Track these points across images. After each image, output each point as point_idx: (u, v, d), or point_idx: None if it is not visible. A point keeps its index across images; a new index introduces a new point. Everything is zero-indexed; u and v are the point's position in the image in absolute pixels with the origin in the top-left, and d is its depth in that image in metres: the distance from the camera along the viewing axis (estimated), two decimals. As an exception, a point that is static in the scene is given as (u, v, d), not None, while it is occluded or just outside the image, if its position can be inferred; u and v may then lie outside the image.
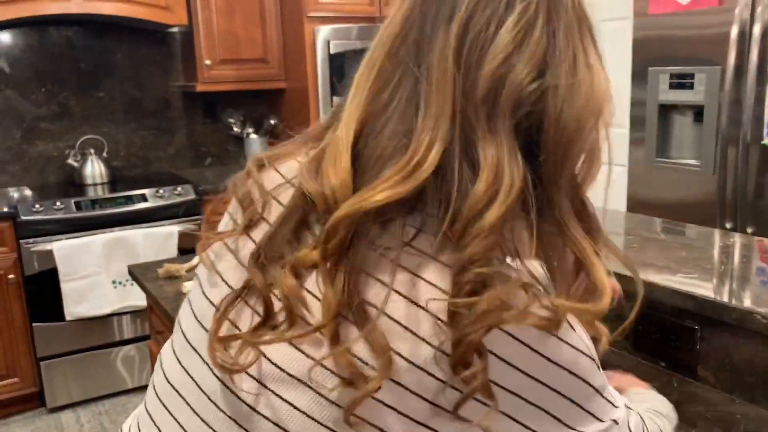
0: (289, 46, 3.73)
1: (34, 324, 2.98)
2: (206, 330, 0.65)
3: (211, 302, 0.66)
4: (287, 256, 0.59)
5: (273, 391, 0.59)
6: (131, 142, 3.72)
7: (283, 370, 0.58)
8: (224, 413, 0.62)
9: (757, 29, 2.40)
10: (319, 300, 0.57)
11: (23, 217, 2.90)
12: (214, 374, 0.63)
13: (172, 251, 3.14)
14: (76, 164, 3.46)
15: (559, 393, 0.60)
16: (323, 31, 3.53)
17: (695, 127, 2.76)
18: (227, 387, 0.61)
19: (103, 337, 3.13)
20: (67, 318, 2.97)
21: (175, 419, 0.66)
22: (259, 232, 0.64)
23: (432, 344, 0.55)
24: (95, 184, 3.42)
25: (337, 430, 0.56)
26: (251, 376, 0.60)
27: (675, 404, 1.15)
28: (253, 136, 3.96)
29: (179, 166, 3.91)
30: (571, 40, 0.60)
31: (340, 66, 3.62)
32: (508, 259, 0.58)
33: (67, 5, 3.07)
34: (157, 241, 3.11)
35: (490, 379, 0.55)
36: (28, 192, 3.29)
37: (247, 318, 0.61)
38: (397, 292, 0.56)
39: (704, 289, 1.23)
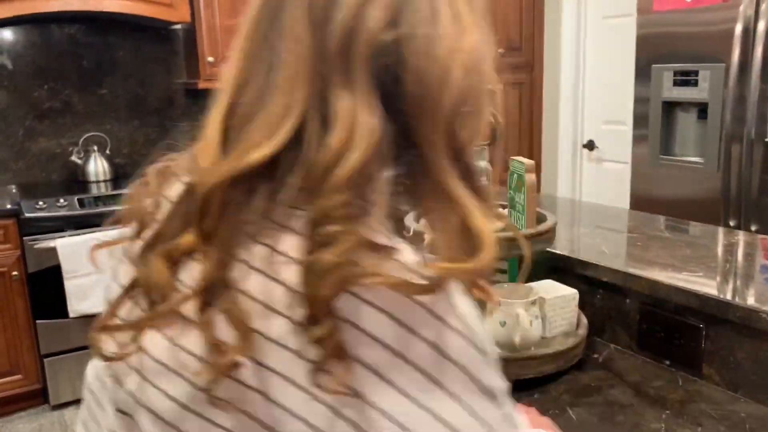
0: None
1: (37, 321, 2.99)
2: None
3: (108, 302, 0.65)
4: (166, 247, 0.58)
5: (150, 382, 0.59)
6: (134, 139, 3.73)
7: (158, 361, 0.58)
8: (114, 408, 0.63)
9: (761, 26, 2.39)
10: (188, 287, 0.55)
11: (27, 214, 2.90)
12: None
13: (176, 248, 3.14)
14: (79, 161, 3.47)
15: (424, 372, 0.54)
16: (326, 28, 3.52)
17: (699, 125, 2.75)
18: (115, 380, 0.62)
19: (107, 334, 3.13)
20: (71, 315, 2.98)
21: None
22: (150, 232, 0.62)
23: (287, 316, 0.52)
24: (98, 181, 3.42)
25: (207, 416, 0.55)
26: (133, 368, 0.60)
27: (680, 403, 1.15)
28: (256, 133, 3.95)
29: (182, 163, 3.91)
30: None
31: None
32: (375, 220, 0.56)
33: (69, 2, 3.07)
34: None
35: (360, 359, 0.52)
36: (30, 189, 3.29)
37: (131, 312, 0.61)
38: (254, 268, 0.54)
39: (709, 287, 1.23)
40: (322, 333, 0.51)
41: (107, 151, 3.55)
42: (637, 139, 3.00)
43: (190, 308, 0.54)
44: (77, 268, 2.92)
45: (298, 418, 0.52)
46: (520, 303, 1.23)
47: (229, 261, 0.54)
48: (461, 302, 0.56)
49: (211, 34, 3.54)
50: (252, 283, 0.54)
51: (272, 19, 0.58)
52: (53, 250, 2.89)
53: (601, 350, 1.38)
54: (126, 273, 0.63)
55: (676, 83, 2.77)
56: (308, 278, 0.51)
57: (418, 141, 0.56)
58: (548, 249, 1.44)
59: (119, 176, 3.52)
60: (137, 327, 0.58)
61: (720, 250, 1.50)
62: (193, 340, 0.55)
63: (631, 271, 1.33)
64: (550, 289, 1.37)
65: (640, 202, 2.97)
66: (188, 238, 0.56)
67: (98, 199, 3.10)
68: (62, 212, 2.97)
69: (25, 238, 2.91)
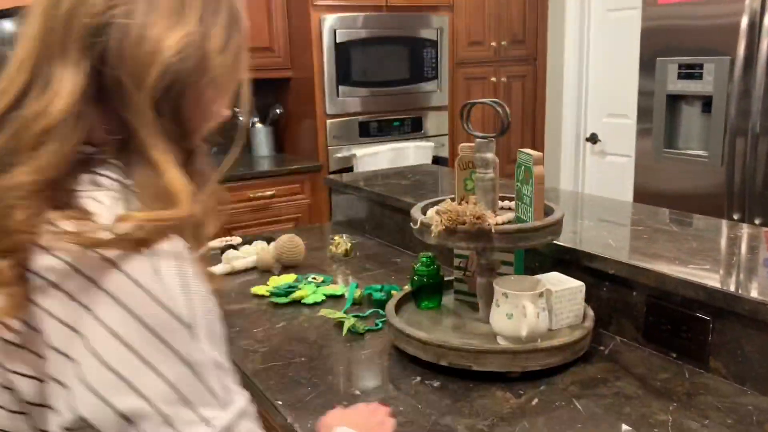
0: (294, 34, 3.72)
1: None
2: None
3: None
4: None
5: None
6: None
7: None
8: None
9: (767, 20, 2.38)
10: None
11: None
12: None
13: (179, 240, 3.14)
14: (82, 153, 3.46)
15: (121, 340, 0.60)
16: (329, 20, 3.52)
17: (703, 118, 2.75)
18: None
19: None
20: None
21: None
22: None
23: None
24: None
25: None
26: None
27: (686, 395, 1.16)
28: (259, 125, 3.95)
29: (185, 155, 3.91)
30: None
31: (347, 55, 3.61)
32: (78, 184, 0.65)
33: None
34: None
35: (39, 304, 0.60)
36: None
37: None
38: None
39: (716, 280, 1.23)
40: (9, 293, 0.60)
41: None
42: (641, 133, 2.99)
43: None
44: None
45: None
46: (526, 295, 1.23)
47: None
48: (164, 265, 0.62)
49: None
50: None
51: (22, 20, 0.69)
52: None
53: (608, 342, 1.38)
54: None
55: (680, 76, 2.76)
56: None
57: (127, 114, 0.65)
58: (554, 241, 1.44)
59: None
60: None
61: (727, 243, 1.50)
62: None
63: (638, 263, 1.33)
64: (557, 281, 1.37)
65: (643, 195, 2.97)
66: None
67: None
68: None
69: None
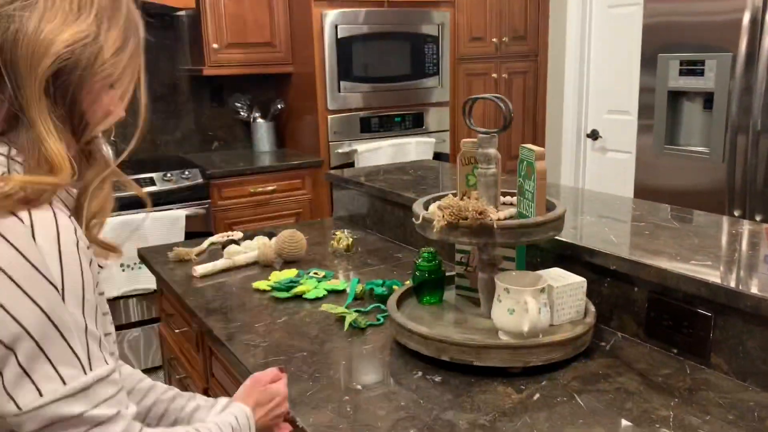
0: (296, 30, 3.71)
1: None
2: None
3: None
4: None
5: None
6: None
7: None
8: None
9: (770, 16, 2.38)
10: None
11: None
12: None
13: (180, 235, 3.15)
14: (83, 147, 3.46)
15: None
16: (331, 15, 3.51)
17: (705, 115, 2.75)
18: None
19: (111, 320, 3.15)
20: (75, 301, 2.98)
21: None
22: None
23: None
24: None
25: None
26: None
27: (688, 391, 1.16)
28: (260, 120, 3.95)
29: (186, 150, 3.91)
30: None
31: (348, 50, 3.60)
32: None
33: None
34: (164, 224, 3.11)
35: None
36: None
37: None
38: None
39: (718, 276, 1.23)
40: None
41: (112, 137, 3.53)
42: (642, 129, 2.99)
43: None
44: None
45: None
46: (528, 291, 1.23)
47: None
48: (40, 230, 0.71)
49: (216, 20, 3.52)
50: None
51: None
52: None
53: (609, 338, 1.38)
54: None
55: (682, 73, 2.76)
56: None
57: (20, 94, 0.74)
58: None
59: (124, 163, 3.50)
60: None
61: (728, 239, 1.50)
62: None
63: (640, 259, 1.33)
64: (558, 276, 1.37)
65: (643, 191, 2.97)
66: None
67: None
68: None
69: None
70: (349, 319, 1.47)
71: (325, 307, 1.56)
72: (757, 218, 2.52)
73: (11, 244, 0.70)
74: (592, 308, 1.37)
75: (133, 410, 0.80)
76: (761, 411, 1.09)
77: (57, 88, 0.76)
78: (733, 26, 2.50)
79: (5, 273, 0.70)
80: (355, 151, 3.64)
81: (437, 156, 3.94)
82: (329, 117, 3.63)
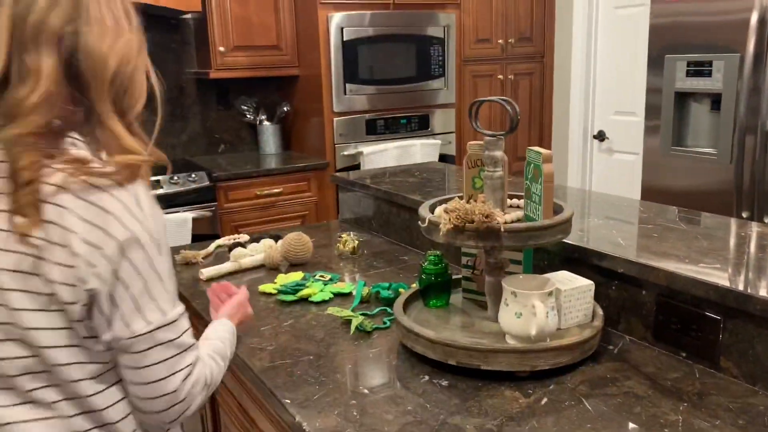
0: (302, 32, 3.72)
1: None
2: None
3: None
4: None
5: None
6: (146, 129, 3.72)
7: None
8: None
9: (778, 16, 2.36)
10: None
11: None
12: None
13: (187, 237, 3.15)
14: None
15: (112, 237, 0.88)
16: (336, 18, 3.52)
17: (712, 116, 2.73)
18: None
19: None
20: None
21: None
22: None
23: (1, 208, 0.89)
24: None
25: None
26: None
27: (697, 395, 1.15)
28: (266, 123, 3.95)
29: (193, 152, 3.92)
30: (95, 5, 0.92)
31: (354, 53, 3.60)
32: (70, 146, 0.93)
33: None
34: (171, 227, 3.12)
35: (54, 222, 0.87)
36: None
37: None
38: None
39: (727, 279, 1.22)
40: (21, 204, 0.87)
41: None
42: (649, 130, 2.98)
43: None
44: None
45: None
46: (536, 294, 1.23)
47: None
48: (142, 196, 0.92)
49: (223, 23, 3.53)
50: None
51: None
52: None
53: (617, 342, 1.38)
54: None
55: (689, 74, 2.75)
56: (14, 176, 0.88)
57: (93, 97, 0.92)
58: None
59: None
60: None
61: (738, 242, 1.49)
62: None
63: (648, 262, 1.32)
64: (566, 280, 1.37)
65: (651, 193, 2.95)
66: None
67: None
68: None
69: None
70: (355, 323, 1.46)
71: (331, 310, 1.56)
72: (766, 220, 2.50)
73: (127, 209, 0.90)
74: (600, 311, 1.36)
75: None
76: (771, 415, 1.08)
77: (116, 87, 0.94)
78: (740, 26, 2.49)
79: (130, 230, 0.89)
80: (361, 153, 3.64)
81: (443, 158, 3.93)
82: (335, 119, 3.63)
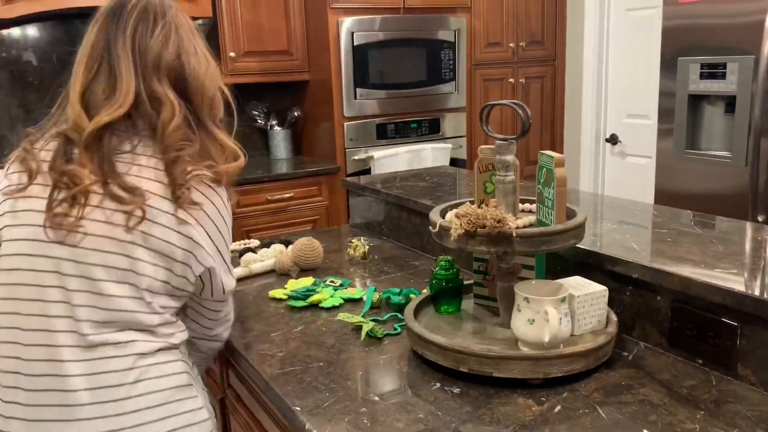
0: (313, 37, 3.72)
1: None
2: (41, 226, 1.11)
3: (32, 210, 1.13)
4: (64, 168, 1.12)
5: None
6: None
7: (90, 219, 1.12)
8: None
9: (793, 17, 2.34)
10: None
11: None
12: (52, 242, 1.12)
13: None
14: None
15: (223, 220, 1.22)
16: (347, 23, 3.51)
17: (726, 118, 2.70)
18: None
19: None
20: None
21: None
22: (39, 176, 1.15)
23: (159, 194, 1.13)
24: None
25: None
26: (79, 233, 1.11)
27: (714, 403, 1.13)
28: (277, 128, 3.96)
29: (203, 158, 3.92)
30: (190, 40, 1.22)
31: (364, 57, 3.60)
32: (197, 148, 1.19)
33: (92, -2, 3.09)
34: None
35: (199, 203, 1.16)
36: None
37: (61, 204, 1.11)
38: (132, 167, 1.14)
39: (744, 284, 1.20)
40: (181, 198, 1.14)
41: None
42: (662, 133, 2.95)
43: (96, 188, 1.12)
44: None
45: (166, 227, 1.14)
46: (549, 300, 1.21)
47: (112, 167, 1.12)
48: (228, 197, 1.23)
49: (233, 29, 3.54)
50: (134, 173, 1.14)
51: (107, 48, 1.16)
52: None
53: (631, 348, 1.36)
54: (31, 194, 1.14)
55: (703, 76, 2.72)
56: (173, 175, 1.13)
57: (200, 115, 1.20)
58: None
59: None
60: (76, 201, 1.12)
61: (754, 246, 1.47)
62: (96, 202, 1.12)
63: (662, 267, 1.30)
64: (579, 285, 1.35)
65: (664, 197, 2.93)
66: (83, 159, 1.13)
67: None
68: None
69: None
70: (365, 329, 1.45)
71: (342, 316, 1.55)
72: (782, 223, 2.47)
73: (226, 205, 1.21)
74: (614, 317, 1.34)
75: None
76: (791, 424, 1.06)
77: (211, 103, 1.22)
78: (755, 28, 2.46)
79: (225, 221, 1.21)
80: (372, 157, 3.64)
81: (454, 162, 3.91)
82: (345, 124, 3.63)
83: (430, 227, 1.34)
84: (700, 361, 1.27)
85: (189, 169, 1.14)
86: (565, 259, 1.52)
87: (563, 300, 1.23)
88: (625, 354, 1.33)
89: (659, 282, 1.31)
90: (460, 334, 1.38)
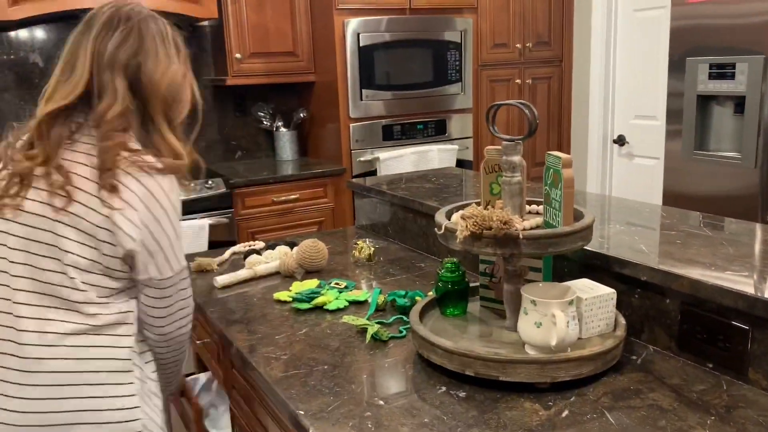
0: (318, 38, 3.71)
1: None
2: None
3: None
4: (13, 154, 1.26)
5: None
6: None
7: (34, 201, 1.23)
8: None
9: (803, 17, 2.31)
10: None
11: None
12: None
13: (204, 244, 3.15)
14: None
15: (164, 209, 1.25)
16: (353, 24, 3.50)
17: (736, 119, 2.68)
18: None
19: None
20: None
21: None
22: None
23: (86, 177, 1.21)
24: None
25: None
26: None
27: (725, 408, 1.11)
28: (283, 129, 3.95)
29: (210, 159, 3.92)
30: (152, 43, 1.29)
31: (370, 58, 3.59)
32: (134, 141, 1.26)
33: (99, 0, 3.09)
34: (188, 234, 3.11)
35: (128, 187, 1.21)
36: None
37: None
38: (77, 154, 1.24)
39: (755, 287, 1.18)
40: (105, 182, 1.20)
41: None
42: (670, 134, 2.93)
43: (38, 171, 1.22)
44: None
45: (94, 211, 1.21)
46: (556, 303, 1.19)
47: (54, 151, 1.22)
48: (172, 185, 1.26)
49: (239, 30, 3.53)
50: (65, 160, 1.23)
51: (74, 52, 1.27)
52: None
53: (640, 352, 1.34)
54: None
55: (711, 76, 2.70)
56: (99, 158, 1.21)
57: (150, 111, 1.28)
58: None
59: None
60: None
61: (763, 248, 1.45)
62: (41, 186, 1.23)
63: (671, 269, 1.28)
64: (587, 288, 1.33)
65: (672, 198, 2.90)
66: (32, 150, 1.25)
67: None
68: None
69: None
70: (370, 331, 1.44)
71: (347, 318, 1.53)
72: (792, 225, 2.44)
73: (166, 192, 1.24)
74: (623, 321, 1.32)
75: None
76: (804, 430, 1.04)
77: (167, 103, 1.30)
78: (764, 28, 2.44)
79: (164, 207, 1.23)
80: (378, 158, 3.62)
81: (460, 163, 3.90)
82: (351, 125, 3.62)
83: (436, 229, 1.32)
84: (711, 365, 1.25)
85: (125, 155, 1.21)
86: (572, 261, 1.50)
87: (571, 303, 1.21)
88: (634, 358, 1.31)
89: (668, 284, 1.29)
90: (466, 337, 1.37)
